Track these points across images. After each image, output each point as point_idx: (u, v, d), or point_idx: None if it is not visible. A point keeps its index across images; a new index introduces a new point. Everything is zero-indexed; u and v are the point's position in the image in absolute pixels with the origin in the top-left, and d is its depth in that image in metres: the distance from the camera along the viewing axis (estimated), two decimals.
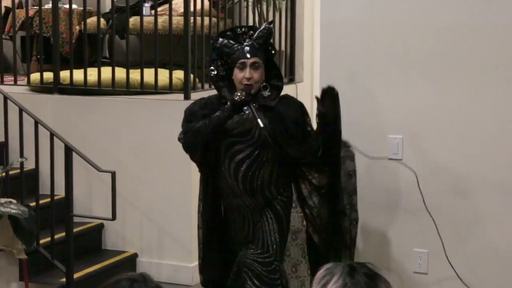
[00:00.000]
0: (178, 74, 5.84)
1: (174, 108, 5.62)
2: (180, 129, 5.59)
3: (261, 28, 3.95)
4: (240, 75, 3.85)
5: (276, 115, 3.89)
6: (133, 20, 6.40)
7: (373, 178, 4.37)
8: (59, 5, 6.27)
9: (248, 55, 3.85)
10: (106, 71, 5.90)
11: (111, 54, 6.37)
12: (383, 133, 4.34)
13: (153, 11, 6.29)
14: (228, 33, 3.95)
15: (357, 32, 4.38)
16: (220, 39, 3.93)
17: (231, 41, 3.90)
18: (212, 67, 3.94)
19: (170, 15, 5.86)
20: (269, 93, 3.91)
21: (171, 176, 5.60)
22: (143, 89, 5.82)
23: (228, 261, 4.16)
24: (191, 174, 5.58)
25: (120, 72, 5.90)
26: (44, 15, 6.41)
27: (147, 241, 5.71)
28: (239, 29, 3.96)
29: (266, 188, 3.95)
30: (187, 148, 4.13)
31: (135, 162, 5.69)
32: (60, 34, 6.36)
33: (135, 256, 5.69)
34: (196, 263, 5.66)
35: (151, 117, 5.65)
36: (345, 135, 4.39)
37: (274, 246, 3.95)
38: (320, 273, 2.03)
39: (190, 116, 4.10)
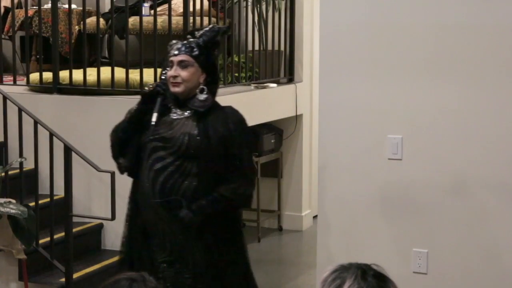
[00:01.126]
0: None
1: None
2: None
3: (206, 28, 3.75)
4: (168, 74, 3.66)
5: (206, 126, 3.61)
6: (133, 20, 6.40)
7: (372, 178, 4.37)
8: (59, 5, 6.27)
9: (176, 52, 3.64)
10: (106, 71, 5.90)
11: (111, 54, 6.37)
12: (382, 133, 4.34)
13: (152, 11, 6.29)
14: (188, 35, 3.77)
15: (356, 32, 4.38)
16: (172, 41, 3.78)
17: (178, 41, 3.73)
18: (164, 71, 3.76)
19: (170, 15, 5.86)
20: (206, 97, 3.63)
21: None
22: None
23: None
24: None
25: (120, 72, 5.90)
26: (44, 15, 6.41)
27: None
28: (197, 32, 3.74)
29: (187, 204, 3.57)
30: (111, 145, 3.89)
31: None
32: (59, 34, 6.36)
33: None
34: None
35: None
36: (345, 135, 4.39)
37: (197, 271, 3.63)
38: (328, 276, 2.01)
39: (126, 113, 3.87)
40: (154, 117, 3.60)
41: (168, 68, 3.68)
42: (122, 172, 3.91)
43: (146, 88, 3.70)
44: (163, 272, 3.66)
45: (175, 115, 3.66)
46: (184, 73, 3.61)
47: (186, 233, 3.61)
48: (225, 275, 3.70)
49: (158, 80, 3.79)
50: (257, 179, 6.73)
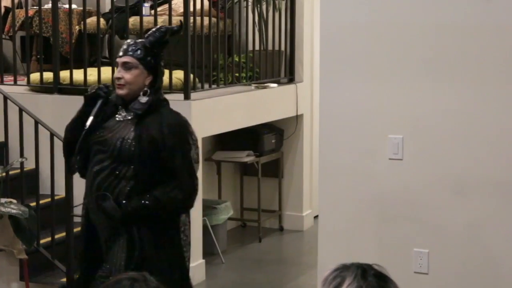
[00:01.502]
0: (178, 74, 5.84)
1: (174, 108, 5.59)
2: None
3: (154, 28, 3.68)
4: (114, 75, 3.64)
5: (141, 129, 3.55)
6: (133, 20, 6.40)
7: (373, 178, 4.37)
8: (59, 5, 6.27)
9: (121, 54, 3.60)
10: (106, 71, 5.90)
11: (111, 54, 6.37)
12: (383, 133, 4.34)
13: (152, 11, 6.29)
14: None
15: (357, 32, 4.38)
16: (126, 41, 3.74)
17: (132, 40, 3.69)
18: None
19: (170, 15, 5.86)
20: (147, 99, 3.55)
21: None
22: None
23: None
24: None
25: None
26: (44, 15, 6.41)
27: None
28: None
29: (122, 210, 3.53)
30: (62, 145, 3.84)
31: None
32: (60, 34, 6.35)
33: None
34: (197, 262, 5.69)
35: None
36: (346, 135, 4.39)
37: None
38: (329, 274, 2.02)
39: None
40: (88, 121, 3.59)
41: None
42: (70, 172, 3.88)
43: (89, 90, 3.67)
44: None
45: (119, 116, 3.62)
46: (127, 75, 3.56)
47: (113, 231, 3.58)
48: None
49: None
50: (257, 180, 6.74)
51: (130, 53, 3.56)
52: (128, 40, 3.69)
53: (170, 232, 3.64)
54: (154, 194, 3.52)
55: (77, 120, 3.69)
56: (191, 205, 3.68)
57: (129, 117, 3.58)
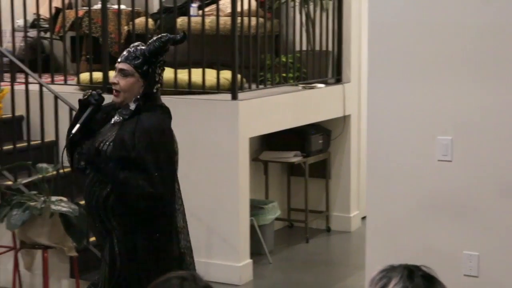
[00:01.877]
0: (226, 74, 5.85)
1: (222, 108, 5.65)
2: (227, 129, 5.62)
3: (157, 36, 3.68)
4: (110, 79, 3.66)
5: (118, 134, 3.59)
6: (181, 21, 6.43)
7: (421, 180, 4.33)
8: (108, 5, 6.33)
9: (120, 59, 3.64)
10: None
11: None
12: (432, 134, 4.30)
13: (200, 12, 6.32)
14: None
15: (405, 32, 4.34)
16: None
17: (140, 43, 3.71)
18: None
19: (218, 16, 5.88)
20: (135, 105, 3.59)
21: (219, 175, 5.62)
22: (190, 89, 5.85)
23: None
24: (238, 173, 5.60)
25: (168, 72, 5.91)
26: (93, 15, 6.48)
27: (195, 240, 5.69)
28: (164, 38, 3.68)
29: (101, 212, 3.59)
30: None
31: (183, 161, 5.66)
32: (109, 34, 6.41)
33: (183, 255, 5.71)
34: (245, 262, 5.69)
35: (198, 117, 5.68)
36: (394, 136, 4.36)
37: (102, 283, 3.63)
38: (376, 275, 2.02)
39: None
40: (75, 129, 3.64)
41: None
42: (72, 170, 3.88)
43: (83, 96, 3.71)
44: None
45: (113, 121, 3.68)
46: (122, 82, 3.60)
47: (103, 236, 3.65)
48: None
49: None
50: (305, 180, 6.72)
51: (129, 60, 3.59)
52: (131, 46, 3.69)
53: (154, 243, 3.61)
54: (126, 172, 3.51)
55: (72, 124, 3.74)
56: (155, 206, 3.59)
57: (118, 121, 3.65)
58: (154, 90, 3.66)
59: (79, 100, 3.72)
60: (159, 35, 3.70)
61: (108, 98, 3.79)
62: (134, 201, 3.54)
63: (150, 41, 3.65)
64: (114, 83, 3.61)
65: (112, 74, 5.96)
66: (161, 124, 3.63)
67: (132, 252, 3.58)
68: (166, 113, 3.73)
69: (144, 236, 3.58)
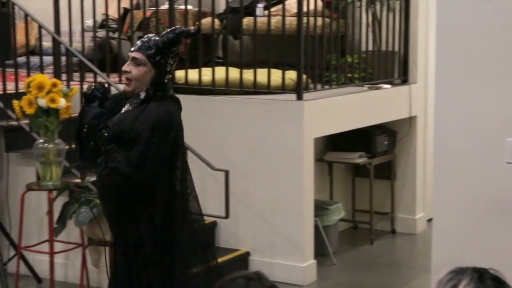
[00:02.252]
0: (291, 75, 5.85)
1: (287, 108, 5.65)
2: (292, 129, 5.62)
3: (171, 29, 3.73)
4: (123, 67, 3.69)
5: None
6: (247, 21, 6.45)
7: (490, 182, 4.25)
8: (175, 6, 6.39)
9: (133, 48, 3.68)
10: (220, 71, 5.98)
11: (225, 54, 6.45)
12: (501, 135, 4.22)
13: (266, 12, 6.33)
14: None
15: (474, 32, 4.28)
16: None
17: (149, 35, 3.75)
18: None
19: (284, 16, 5.89)
20: (145, 95, 3.66)
21: (284, 175, 5.63)
22: (256, 89, 5.87)
23: None
24: (303, 173, 5.59)
25: (234, 72, 5.96)
26: (161, 15, 6.55)
27: (259, 240, 5.75)
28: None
29: (126, 205, 3.68)
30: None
31: (248, 161, 5.74)
32: None
33: (247, 254, 5.74)
34: (309, 262, 5.69)
35: (264, 117, 5.69)
36: (461, 138, 4.29)
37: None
38: (444, 276, 2.00)
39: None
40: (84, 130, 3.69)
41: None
42: (79, 159, 3.95)
43: (87, 90, 3.74)
44: None
45: (123, 110, 3.72)
46: (135, 71, 3.63)
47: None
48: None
49: None
50: (369, 181, 6.68)
51: (142, 50, 3.64)
52: (145, 36, 3.74)
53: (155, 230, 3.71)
54: (114, 146, 3.58)
55: (80, 117, 3.79)
56: (122, 184, 3.63)
57: (128, 110, 3.70)
58: (165, 81, 3.72)
59: (84, 94, 3.76)
60: (174, 27, 3.75)
61: (114, 90, 3.86)
62: (108, 173, 3.61)
63: (163, 33, 3.70)
64: (126, 72, 3.64)
65: (178, 74, 6.07)
66: (166, 114, 3.68)
67: (138, 240, 3.69)
68: (175, 103, 3.77)
69: (143, 222, 3.67)
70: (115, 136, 3.58)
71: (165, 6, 6.58)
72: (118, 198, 3.64)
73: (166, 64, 3.69)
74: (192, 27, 3.83)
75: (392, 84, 6.78)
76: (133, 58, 3.64)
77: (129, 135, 3.58)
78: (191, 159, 5.10)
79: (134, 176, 3.59)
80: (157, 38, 3.67)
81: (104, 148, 3.60)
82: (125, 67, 3.65)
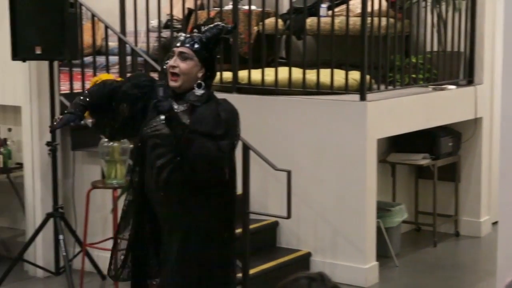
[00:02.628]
0: (354, 75, 5.83)
1: (350, 108, 5.63)
2: (355, 130, 5.59)
3: (212, 24, 3.71)
4: (168, 63, 3.63)
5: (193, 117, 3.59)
6: (310, 21, 6.44)
7: None
8: (239, 6, 6.42)
9: (178, 44, 3.63)
10: (283, 71, 5.98)
11: (288, 55, 6.45)
12: None
13: (330, 12, 6.31)
14: (195, 30, 3.74)
15: None
16: (178, 34, 3.80)
17: (181, 35, 3.72)
18: (166, 61, 3.70)
19: (347, 16, 5.86)
20: (202, 92, 3.61)
21: (346, 176, 5.60)
22: (319, 90, 5.85)
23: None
24: (365, 174, 5.56)
25: (297, 72, 5.96)
26: (224, 16, 6.57)
27: (321, 240, 5.74)
28: (203, 27, 3.72)
29: (187, 201, 3.62)
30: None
31: (310, 162, 5.73)
32: (239, 35, 6.50)
33: (308, 255, 5.74)
34: (371, 264, 5.66)
35: (326, 117, 5.68)
36: None
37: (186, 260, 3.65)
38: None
39: (125, 88, 3.84)
40: (160, 92, 3.59)
41: (167, 62, 3.68)
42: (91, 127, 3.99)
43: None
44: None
45: (176, 108, 3.62)
46: (183, 65, 3.59)
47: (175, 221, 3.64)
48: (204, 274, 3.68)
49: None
50: (433, 183, 6.61)
51: (188, 44, 3.62)
52: (187, 34, 3.72)
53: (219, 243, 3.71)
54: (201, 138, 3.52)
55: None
56: (213, 170, 3.61)
57: (183, 108, 3.60)
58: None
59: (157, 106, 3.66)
60: (215, 23, 3.75)
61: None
62: (197, 159, 3.52)
63: (206, 28, 3.68)
64: (174, 67, 3.60)
65: (241, 74, 6.10)
66: (235, 108, 3.70)
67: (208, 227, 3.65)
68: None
69: (215, 210, 3.66)
70: (205, 134, 3.54)
71: (229, 7, 6.61)
72: (192, 186, 3.61)
73: (214, 62, 3.70)
74: (230, 25, 3.83)
75: (457, 85, 6.69)
76: (180, 53, 3.62)
77: (217, 130, 3.56)
78: (253, 159, 5.12)
79: (221, 164, 3.62)
80: (199, 34, 3.68)
81: (186, 137, 3.56)
82: (172, 62, 3.62)
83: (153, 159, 3.64)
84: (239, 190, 5.31)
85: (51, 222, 5.41)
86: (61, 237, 5.29)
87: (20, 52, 5.25)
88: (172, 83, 3.61)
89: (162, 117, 3.61)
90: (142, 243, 3.82)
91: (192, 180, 3.58)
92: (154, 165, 3.63)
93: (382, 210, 6.17)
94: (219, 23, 3.77)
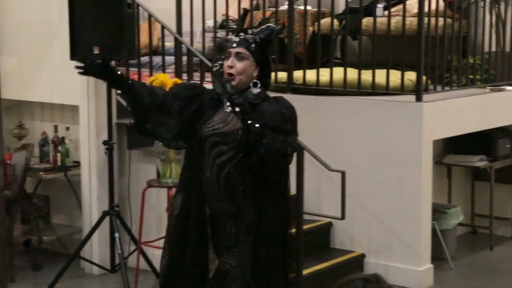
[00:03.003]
0: (410, 75, 5.78)
1: (406, 109, 5.58)
2: (411, 131, 5.55)
3: (263, 26, 3.79)
4: (225, 64, 3.71)
5: (258, 114, 3.62)
6: (366, 21, 6.41)
7: None
8: (294, 6, 6.41)
9: (234, 45, 3.70)
10: (338, 72, 5.96)
11: (343, 55, 6.43)
12: None
13: (386, 12, 6.27)
14: (241, 33, 3.81)
15: None
16: (228, 37, 3.87)
17: (234, 37, 3.78)
18: (215, 64, 3.79)
19: (404, 16, 5.81)
20: (259, 90, 3.68)
21: (401, 177, 5.56)
22: (374, 90, 5.82)
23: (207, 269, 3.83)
24: (421, 176, 5.52)
25: (352, 73, 5.93)
26: (280, 16, 6.58)
27: (375, 242, 5.71)
28: (250, 30, 3.80)
29: (250, 194, 3.65)
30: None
31: (365, 162, 5.70)
32: (294, 35, 6.49)
33: (362, 256, 5.71)
34: (425, 266, 5.61)
35: (382, 118, 5.64)
36: None
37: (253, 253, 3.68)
38: None
39: (177, 88, 3.88)
40: (228, 87, 3.63)
41: (218, 62, 3.76)
42: (133, 129, 3.97)
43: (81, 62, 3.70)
44: (222, 256, 3.74)
45: (228, 108, 3.69)
46: (239, 65, 3.67)
47: (243, 222, 3.67)
48: (264, 270, 3.70)
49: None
50: (490, 185, 6.53)
51: (244, 45, 3.70)
52: (239, 35, 3.78)
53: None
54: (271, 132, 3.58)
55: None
56: (284, 163, 3.70)
57: (240, 108, 3.66)
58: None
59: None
60: (266, 24, 3.83)
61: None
62: (269, 153, 3.57)
63: (258, 30, 3.76)
64: (231, 67, 3.68)
65: (296, 74, 6.10)
66: (293, 106, 3.75)
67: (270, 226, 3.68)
68: None
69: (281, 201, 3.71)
70: (274, 129, 3.61)
71: (285, 7, 6.61)
72: (255, 182, 3.67)
73: (268, 61, 3.79)
74: (279, 26, 3.91)
75: None
76: (237, 53, 3.70)
77: (284, 126, 3.64)
78: (307, 159, 5.11)
79: (289, 159, 3.72)
80: (253, 36, 3.76)
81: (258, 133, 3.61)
82: (229, 63, 3.70)
83: (212, 157, 3.68)
84: (293, 190, 5.33)
85: (107, 220, 5.48)
86: (116, 235, 5.34)
87: (78, 52, 5.31)
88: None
89: (221, 115, 3.67)
90: (201, 244, 3.83)
91: (256, 176, 3.64)
92: (214, 162, 3.68)
93: (438, 212, 6.11)
94: (270, 24, 3.87)
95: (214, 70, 3.80)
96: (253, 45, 3.71)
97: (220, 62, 3.77)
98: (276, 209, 3.73)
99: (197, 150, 3.75)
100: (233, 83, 3.67)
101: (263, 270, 3.71)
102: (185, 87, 3.89)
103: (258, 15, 6.99)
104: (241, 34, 3.79)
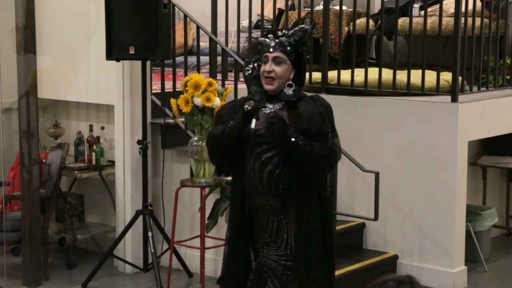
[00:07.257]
0: (446, 76, 5.74)
1: (441, 110, 5.54)
2: (446, 132, 5.51)
3: (297, 28, 3.85)
4: (262, 69, 3.78)
5: (297, 117, 3.74)
6: (402, 21, 6.38)
7: None
8: (330, 6, 6.40)
9: (271, 49, 3.77)
10: (373, 72, 5.94)
11: (378, 55, 6.40)
12: None
13: (422, 12, 6.23)
14: (270, 35, 3.86)
15: None
16: (259, 39, 3.92)
17: (267, 40, 3.83)
18: (247, 68, 3.87)
19: (440, 16, 5.77)
20: (292, 92, 3.76)
21: (435, 179, 5.53)
22: (409, 91, 5.79)
23: (250, 263, 3.95)
24: (455, 177, 5.48)
25: (387, 73, 5.91)
26: (315, 16, 6.58)
27: (408, 243, 5.67)
28: (280, 32, 3.85)
29: (292, 190, 3.76)
30: (208, 152, 4.01)
31: (399, 163, 5.67)
32: (329, 35, 6.48)
33: (395, 257, 5.68)
34: (459, 268, 5.56)
35: (416, 119, 5.61)
36: None
37: (295, 249, 3.79)
38: None
39: (217, 119, 4.00)
40: (253, 124, 3.74)
41: (250, 66, 3.86)
42: (220, 175, 4.10)
43: (247, 107, 3.76)
44: (262, 252, 3.85)
45: (267, 109, 3.78)
46: (278, 69, 3.75)
47: (285, 217, 3.79)
48: (310, 263, 3.82)
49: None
50: None
51: (280, 48, 3.78)
52: (274, 37, 3.82)
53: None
54: (312, 143, 3.70)
55: (233, 137, 3.79)
56: (330, 166, 3.88)
57: (278, 107, 3.78)
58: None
59: (244, 112, 3.78)
60: (300, 26, 3.89)
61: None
62: (319, 162, 3.74)
63: (292, 32, 3.82)
64: (270, 71, 3.76)
65: (331, 74, 6.08)
66: (330, 104, 3.84)
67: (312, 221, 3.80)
68: None
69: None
70: (314, 133, 3.73)
71: (320, 7, 6.60)
72: (299, 180, 3.78)
73: (303, 63, 3.86)
74: (310, 27, 3.97)
75: None
76: (274, 58, 3.78)
77: (324, 127, 3.75)
78: (341, 160, 5.08)
79: (335, 163, 3.93)
80: (287, 39, 3.82)
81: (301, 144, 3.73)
82: (267, 68, 3.78)
83: (255, 155, 3.78)
84: None
85: (140, 219, 5.51)
86: (150, 234, 5.37)
87: (114, 52, 5.36)
88: (268, 87, 3.79)
89: (254, 123, 3.75)
90: (245, 240, 3.96)
91: (298, 173, 3.75)
92: (257, 159, 3.77)
93: (472, 213, 6.06)
94: (303, 25, 3.93)
95: (246, 74, 3.89)
96: (289, 48, 3.79)
97: (251, 66, 3.87)
98: (317, 206, 3.81)
99: (240, 149, 3.83)
100: (272, 87, 3.78)
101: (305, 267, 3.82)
102: (222, 115, 3.94)
103: (293, 15, 6.99)
104: (271, 35, 3.85)
